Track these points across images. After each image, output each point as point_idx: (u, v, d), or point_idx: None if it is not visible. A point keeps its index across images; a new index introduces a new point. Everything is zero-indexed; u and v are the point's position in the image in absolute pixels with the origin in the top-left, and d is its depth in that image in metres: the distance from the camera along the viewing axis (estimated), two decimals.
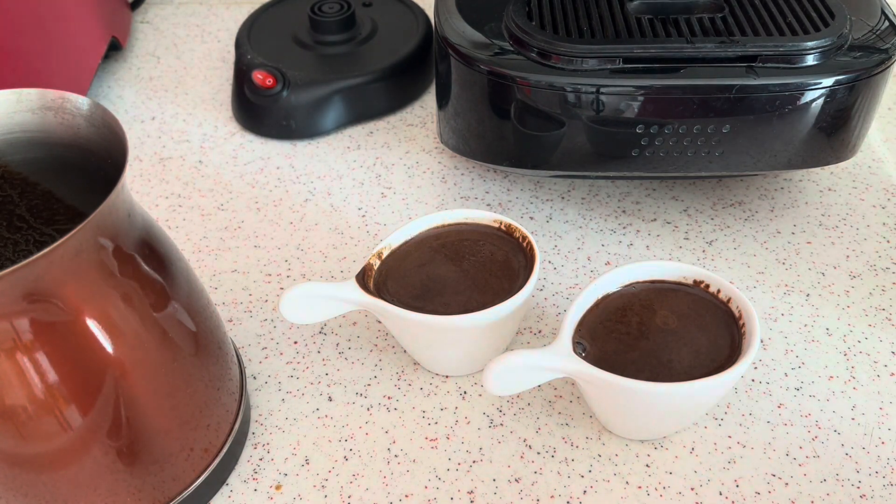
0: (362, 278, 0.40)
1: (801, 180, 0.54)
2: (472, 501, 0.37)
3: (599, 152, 0.44)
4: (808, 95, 0.41)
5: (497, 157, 0.47)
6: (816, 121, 0.42)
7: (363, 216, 0.52)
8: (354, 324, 0.46)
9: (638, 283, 0.40)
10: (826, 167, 0.54)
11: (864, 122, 0.44)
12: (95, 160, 0.32)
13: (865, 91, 0.42)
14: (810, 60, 0.41)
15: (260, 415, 0.41)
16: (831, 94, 0.41)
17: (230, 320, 0.46)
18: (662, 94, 0.41)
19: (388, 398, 0.42)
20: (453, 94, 0.46)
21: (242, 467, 0.39)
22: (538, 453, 0.39)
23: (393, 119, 0.61)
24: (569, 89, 0.42)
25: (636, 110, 0.42)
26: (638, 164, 0.44)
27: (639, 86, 0.41)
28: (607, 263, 0.48)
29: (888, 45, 0.43)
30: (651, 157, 0.44)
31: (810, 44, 0.41)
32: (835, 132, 0.44)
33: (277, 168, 0.57)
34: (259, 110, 0.58)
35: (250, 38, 0.62)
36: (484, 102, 0.45)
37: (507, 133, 0.45)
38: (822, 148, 0.45)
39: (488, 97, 0.44)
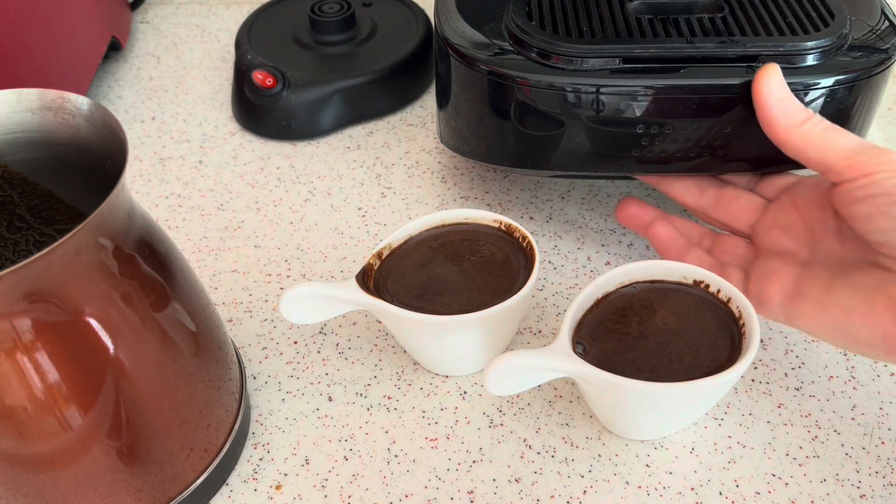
0: (362, 278, 0.40)
1: None
2: (472, 501, 0.37)
3: (600, 152, 0.44)
4: (809, 95, 0.41)
5: (497, 158, 0.47)
6: None
7: (363, 216, 0.52)
8: (354, 324, 0.46)
9: (638, 283, 0.40)
10: None
11: (864, 122, 0.44)
12: (95, 160, 0.32)
13: (865, 91, 0.42)
14: (810, 60, 0.41)
15: (260, 415, 0.41)
16: (831, 94, 0.41)
17: (230, 320, 0.46)
18: (662, 94, 0.41)
19: (388, 398, 0.42)
20: (453, 95, 0.46)
21: (242, 467, 0.39)
22: (538, 453, 0.39)
23: (393, 119, 0.61)
24: (569, 89, 0.42)
25: (636, 110, 0.42)
26: (638, 164, 0.44)
27: (639, 86, 0.41)
28: (607, 263, 0.48)
29: (888, 45, 0.42)
30: (651, 157, 0.44)
31: (810, 44, 0.41)
32: None
33: (277, 168, 0.57)
34: (259, 110, 0.58)
35: (250, 38, 0.62)
36: (484, 102, 0.45)
37: (507, 133, 0.45)
38: None
39: (488, 97, 0.44)
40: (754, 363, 0.43)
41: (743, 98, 0.41)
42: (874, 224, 0.36)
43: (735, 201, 0.44)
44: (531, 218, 0.52)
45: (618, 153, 0.44)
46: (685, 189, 0.45)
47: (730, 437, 0.39)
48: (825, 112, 0.42)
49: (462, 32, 0.45)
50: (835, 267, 0.39)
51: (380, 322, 0.45)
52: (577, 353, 0.35)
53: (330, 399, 0.42)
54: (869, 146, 0.38)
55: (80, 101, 0.32)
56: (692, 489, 0.37)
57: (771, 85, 0.39)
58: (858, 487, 0.37)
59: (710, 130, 0.42)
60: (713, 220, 0.45)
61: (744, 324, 0.37)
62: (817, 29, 0.42)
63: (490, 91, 0.44)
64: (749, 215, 0.43)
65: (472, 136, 0.47)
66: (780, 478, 0.38)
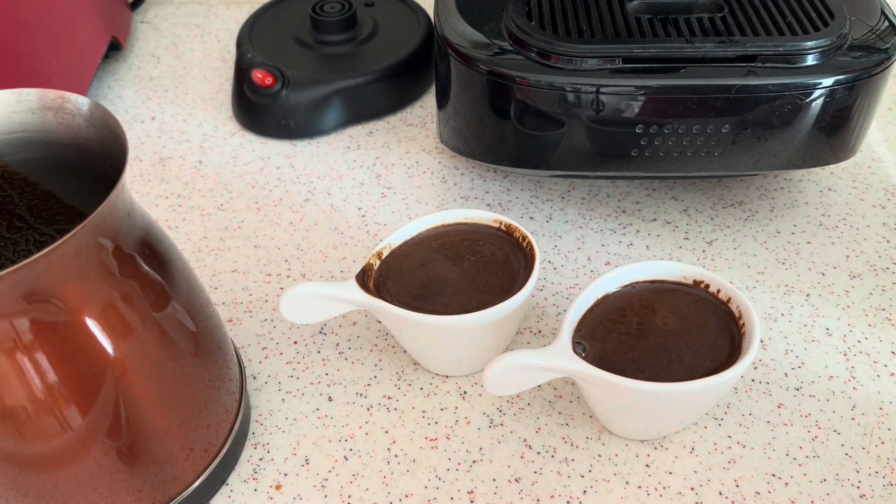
0: (362, 278, 0.40)
1: (801, 180, 0.54)
2: (472, 501, 0.37)
3: (599, 152, 0.44)
4: (808, 95, 0.41)
5: (497, 157, 0.47)
6: (816, 121, 0.42)
7: (363, 216, 0.52)
8: (354, 324, 0.46)
9: (638, 283, 0.40)
10: (826, 167, 0.54)
11: (863, 122, 0.44)
12: (95, 160, 0.32)
13: (865, 91, 0.42)
14: (810, 60, 0.41)
15: (260, 415, 0.41)
16: (831, 94, 0.41)
17: (230, 320, 0.46)
18: (662, 94, 0.41)
19: (388, 398, 0.42)
20: (453, 94, 0.46)
21: (242, 467, 0.39)
22: (538, 453, 0.39)
23: (393, 119, 0.61)
24: (568, 89, 0.42)
25: (636, 110, 0.42)
26: (638, 164, 0.44)
27: (638, 86, 0.41)
28: (607, 263, 0.48)
29: (888, 45, 0.43)
30: (651, 156, 0.44)
31: (810, 44, 0.41)
32: (835, 132, 0.44)
33: (277, 168, 0.57)
34: (259, 110, 0.58)
35: (251, 37, 0.62)
36: (484, 102, 0.45)
37: (506, 133, 0.45)
38: (822, 148, 0.45)
39: (488, 97, 0.44)
40: (754, 363, 0.43)
41: (742, 98, 0.41)
42: None
43: None
44: (531, 218, 0.52)
45: (618, 153, 0.44)
46: None
47: (730, 437, 0.39)
48: (825, 112, 0.42)
49: (462, 32, 0.45)
50: None
51: (380, 322, 0.45)
52: (577, 353, 0.35)
53: (330, 399, 0.42)
54: None
55: (80, 101, 0.32)
56: (692, 489, 0.37)
57: None
58: (858, 487, 0.37)
59: (709, 130, 0.42)
60: None
61: (744, 324, 0.37)
62: (817, 29, 0.42)
63: (490, 91, 0.44)
64: None
65: (471, 135, 0.47)
66: (780, 478, 0.38)
